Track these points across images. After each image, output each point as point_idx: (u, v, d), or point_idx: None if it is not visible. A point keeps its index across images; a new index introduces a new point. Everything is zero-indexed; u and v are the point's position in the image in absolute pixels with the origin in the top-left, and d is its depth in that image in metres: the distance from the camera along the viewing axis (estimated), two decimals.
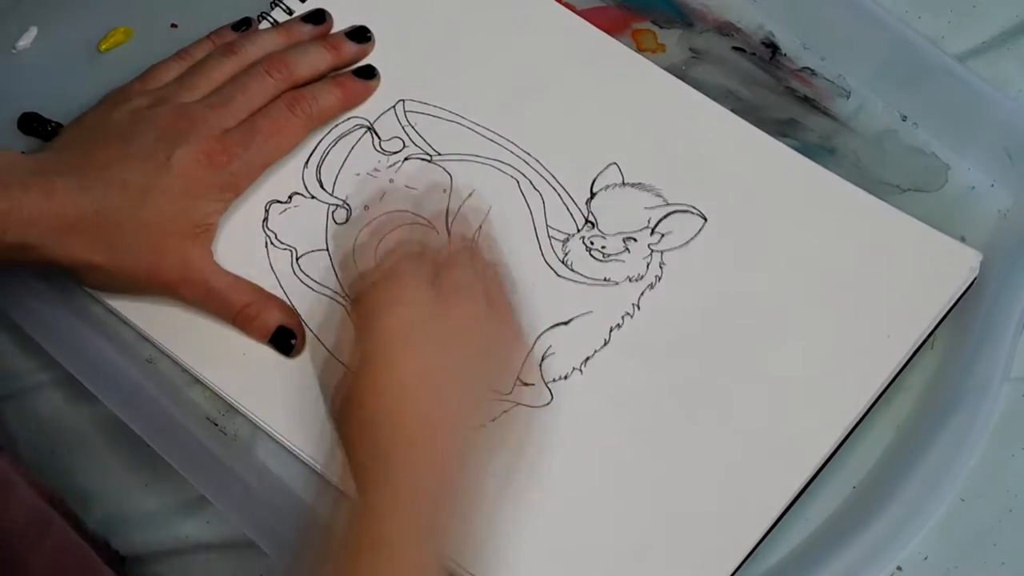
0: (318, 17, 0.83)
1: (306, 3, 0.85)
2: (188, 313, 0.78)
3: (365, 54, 0.83)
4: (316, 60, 0.81)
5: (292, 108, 0.79)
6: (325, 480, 0.75)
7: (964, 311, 0.77)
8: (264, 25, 0.84)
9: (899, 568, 0.74)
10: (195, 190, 0.76)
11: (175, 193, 0.76)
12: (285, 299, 0.78)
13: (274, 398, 0.76)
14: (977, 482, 0.75)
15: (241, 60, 0.80)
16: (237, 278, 0.78)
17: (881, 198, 0.79)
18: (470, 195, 0.80)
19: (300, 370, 0.77)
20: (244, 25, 0.83)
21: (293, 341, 0.77)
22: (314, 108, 0.80)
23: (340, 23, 0.84)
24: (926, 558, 0.74)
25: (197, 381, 0.78)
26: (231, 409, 0.77)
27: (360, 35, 0.83)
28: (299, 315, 0.78)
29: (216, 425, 0.77)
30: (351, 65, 0.83)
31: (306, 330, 0.77)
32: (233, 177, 0.78)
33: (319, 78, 0.82)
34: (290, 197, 0.80)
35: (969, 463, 0.75)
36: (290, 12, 0.85)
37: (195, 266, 0.77)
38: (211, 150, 0.76)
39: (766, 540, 0.73)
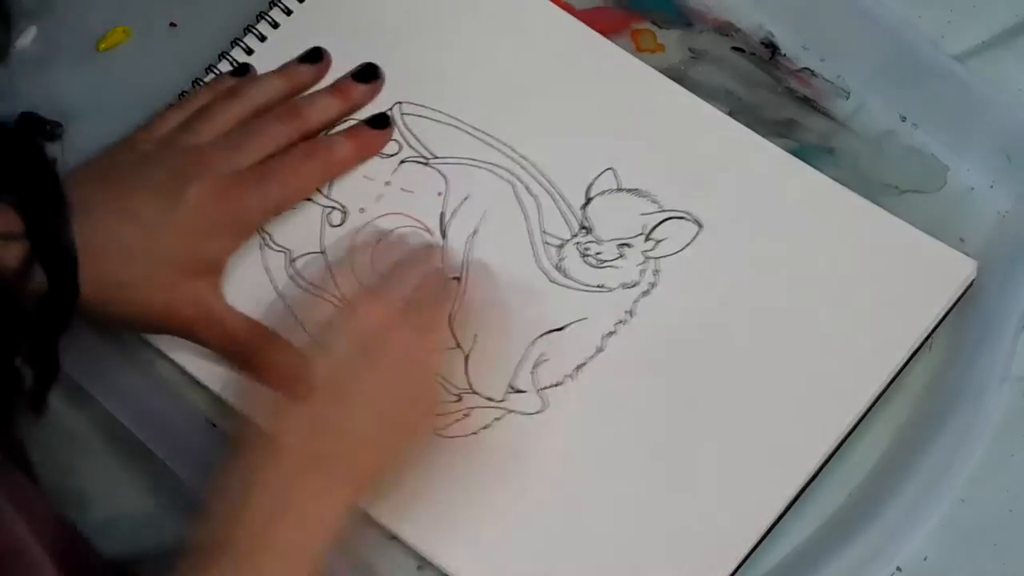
0: (315, 55, 0.82)
1: (304, 3, 0.84)
2: None
3: (376, 93, 0.82)
4: (327, 108, 0.80)
5: (309, 156, 0.79)
6: None
7: (963, 312, 0.77)
8: (262, 25, 0.84)
9: (899, 569, 0.74)
10: (208, 227, 0.75)
11: (188, 229, 0.75)
12: (279, 301, 0.78)
13: (271, 399, 0.76)
14: (977, 482, 0.75)
15: (245, 104, 0.79)
16: (251, 321, 0.77)
17: (880, 199, 0.79)
18: (465, 199, 0.80)
19: None
20: (242, 71, 0.82)
21: None
22: (331, 158, 0.79)
23: (337, 27, 0.84)
24: (926, 558, 0.74)
25: (197, 383, 0.78)
26: (230, 411, 0.77)
27: (368, 74, 0.82)
28: (296, 318, 0.77)
29: (216, 427, 0.77)
30: (361, 107, 0.82)
31: (302, 332, 0.76)
32: (246, 216, 0.77)
33: (332, 125, 0.81)
34: None
35: (969, 463, 0.75)
36: (288, 12, 0.84)
37: (210, 306, 0.76)
38: (225, 187, 0.76)
39: (764, 542, 0.73)
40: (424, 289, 0.75)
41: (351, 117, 0.82)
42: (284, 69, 0.82)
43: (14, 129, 0.54)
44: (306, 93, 0.81)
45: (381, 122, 0.81)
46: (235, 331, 0.76)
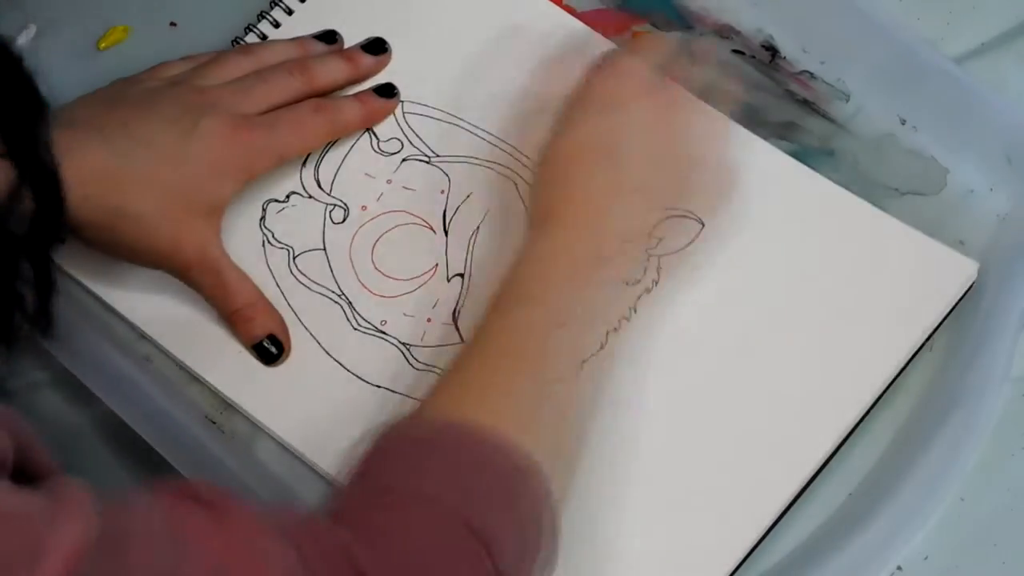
0: (330, 38, 0.83)
1: (306, 3, 0.84)
2: (186, 310, 0.78)
3: (382, 66, 0.83)
4: (334, 70, 0.81)
5: (317, 111, 0.79)
6: (322, 477, 0.75)
7: (964, 313, 0.77)
8: (263, 24, 0.84)
9: (899, 568, 0.74)
10: (218, 165, 0.75)
11: (200, 162, 0.74)
12: (280, 298, 0.78)
13: (271, 396, 0.77)
14: (977, 482, 0.75)
15: (257, 60, 0.80)
16: (245, 275, 0.77)
17: (880, 201, 0.79)
18: (468, 197, 0.80)
19: (298, 368, 0.77)
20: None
21: (276, 354, 0.77)
22: (337, 117, 0.80)
23: (341, 25, 0.83)
24: (926, 558, 0.74)
25: (195, 379, 0.78)
26: (229, 407, 0.77)
27: (377, 47, 0.82)
28: (297, 316, 0.78)
29: (215, 423, 0.77)
30: (368, 78, 0.82)
31: (303, 329, 0.78)
32: (254, 157, 0.77)
33: (337, 89, 0.81)
34: (288, 196, 0.80)
35: (969, 463, 0.75)
36: (289, 12, 0.84)
37: (212, 252, 0.76)
38: (237, 124, 0.75)
39: (764, 541, 0.73)
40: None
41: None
42: (299, 39, 0.83)
43: None
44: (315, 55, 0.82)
45: (388, 91, 0.82)
46: (229, 281, 0.77)
